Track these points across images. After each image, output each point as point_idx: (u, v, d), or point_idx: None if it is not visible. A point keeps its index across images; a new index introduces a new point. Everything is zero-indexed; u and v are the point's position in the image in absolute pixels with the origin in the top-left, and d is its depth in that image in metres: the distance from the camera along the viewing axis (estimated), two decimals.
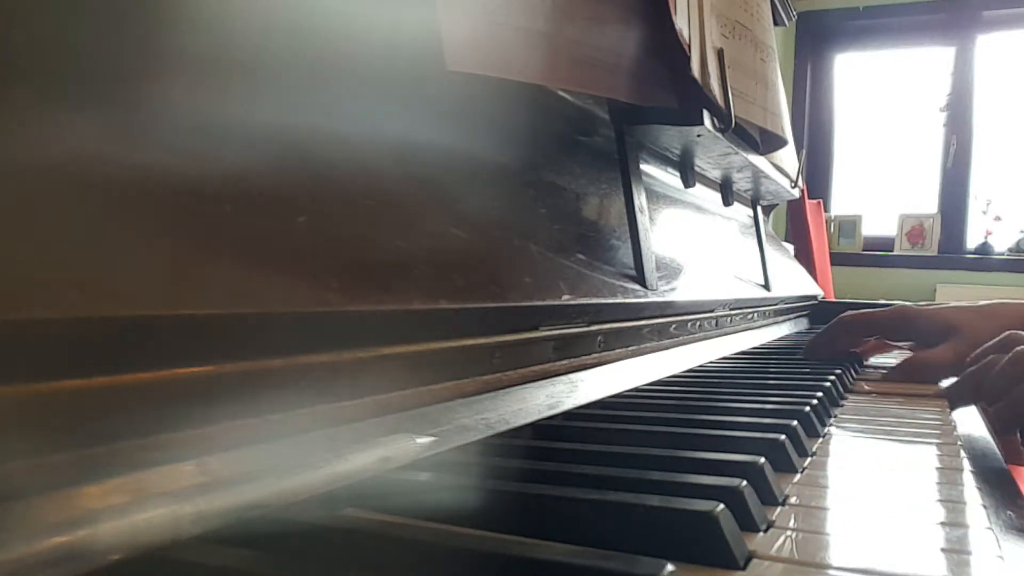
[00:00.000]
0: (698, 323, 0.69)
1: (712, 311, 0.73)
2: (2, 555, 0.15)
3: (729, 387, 0.55)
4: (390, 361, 0.29)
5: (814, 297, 1.25)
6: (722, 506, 0.24)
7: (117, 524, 0.17)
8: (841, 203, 3.33)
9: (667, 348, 0.59)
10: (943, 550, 0.24)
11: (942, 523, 0.27)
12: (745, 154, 0.70)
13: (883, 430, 0.45)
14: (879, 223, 3.22)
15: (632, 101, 0.52)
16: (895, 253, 3.14)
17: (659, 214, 0.68)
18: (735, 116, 0.60)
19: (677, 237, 0.70)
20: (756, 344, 0.83)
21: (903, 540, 0.25)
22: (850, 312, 0.79)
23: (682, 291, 0.60)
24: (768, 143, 0.78)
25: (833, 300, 1.52)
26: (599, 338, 0.47)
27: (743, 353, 0.77)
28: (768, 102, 0.71)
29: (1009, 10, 2.97)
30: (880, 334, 0.80)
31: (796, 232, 2.23)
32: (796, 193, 1.04)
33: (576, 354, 0.44)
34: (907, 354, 0.77)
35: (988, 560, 0.23)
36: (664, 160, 0.71)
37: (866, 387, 0.64)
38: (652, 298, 0.53)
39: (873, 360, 0.81)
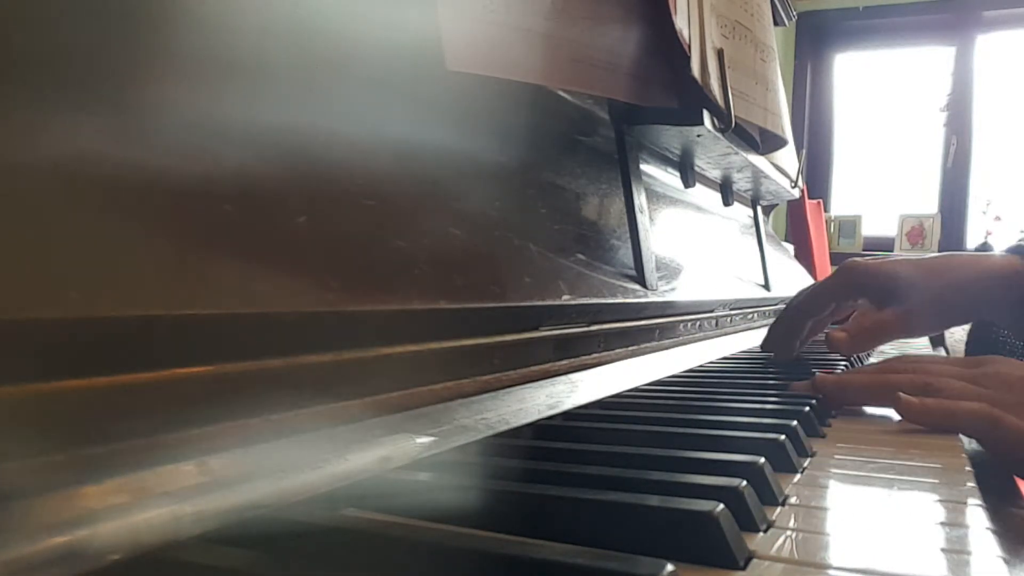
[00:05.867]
0: (698, 323, 0.69)
1: (712, 311, 0.73)
2: (2, 555, 0.15)
3: (729, 387, 0.54)
4: (390, 361, 0.29)
5: None
6: (722, 506, 0.24)
7: (117, 524, 0.17)
8: (841, 203, 3.33)
9: (667, 348, 0.59)
10: (943, 550, 0.24)
11: (942, 523, 0.27)
12: (745, 154, 0.70)
13: (883, 431, 0.45)
14: (879, 223, 3.22)
15: (632, 101, 0.52)
16: (895, 253, 3.14)
17: (659, 214, 0.68)
18: (735, 116, 0.60)
19: (677, 237, 0.70)
20: (756, 344, 0.83)
21: (903, 540, 0.25)
22: (798, 293, 0.71)
23: (682, 291, 0.60)
24: (768, 143, 0.78)
25: None
26: (599, 338, 0.47)
27: (743, 353, 0.77)
28: (768, 102, 0.71)
29: (1009, 10, 2.97)
30: (836, 303, 0.70)
31: (796, 232, 2.23)
32: (796, 193, 1.04)
33: (576, 354, 0.44)
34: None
35: (988, 560, 0.23)
36: (664, 160, 0.71)
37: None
38: (652, 298, 0.53)
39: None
